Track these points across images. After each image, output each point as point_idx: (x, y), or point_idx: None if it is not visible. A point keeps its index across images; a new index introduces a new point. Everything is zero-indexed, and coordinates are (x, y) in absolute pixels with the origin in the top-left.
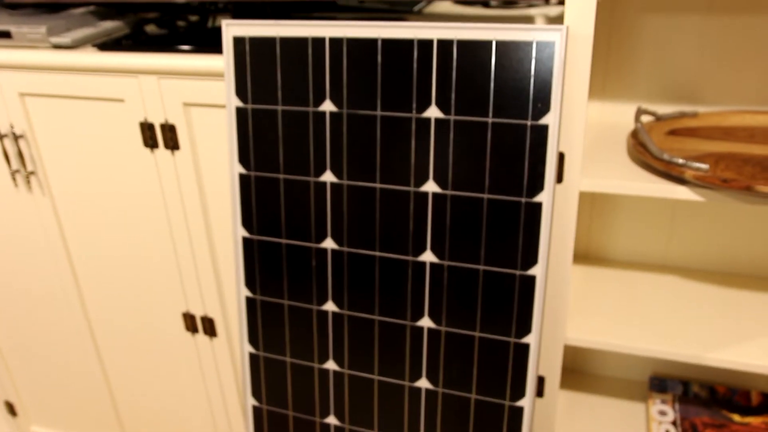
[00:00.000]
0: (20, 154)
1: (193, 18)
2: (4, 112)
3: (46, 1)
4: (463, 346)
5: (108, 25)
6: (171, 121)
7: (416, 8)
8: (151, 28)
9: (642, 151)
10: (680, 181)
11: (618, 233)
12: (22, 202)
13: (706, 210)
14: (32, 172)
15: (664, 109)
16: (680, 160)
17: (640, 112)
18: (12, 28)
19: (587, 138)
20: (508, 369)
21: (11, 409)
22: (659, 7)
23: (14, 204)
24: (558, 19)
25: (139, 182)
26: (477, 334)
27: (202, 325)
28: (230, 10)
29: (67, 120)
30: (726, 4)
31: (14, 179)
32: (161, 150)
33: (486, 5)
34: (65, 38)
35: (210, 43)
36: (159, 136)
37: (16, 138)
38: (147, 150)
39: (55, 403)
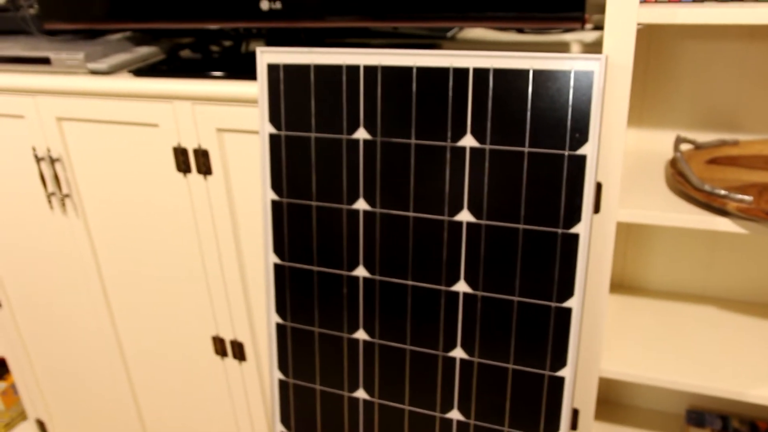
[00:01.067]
0: (56, 177)
1: (227, 43)
2: (41, 136)
3: (84, 27)
4: (496, 378)
5: (143, 50)
6: (204, 146)
7: (450, 34)
8: (185, 53)
9: (682, 181)
10: (722, 212)
11: (655, 262)
12: (57, 224)
13: (748, 240)
14: (67, 195)
15: (703, 137)
16: (722, 192)
17: (679, 141)
18: (51, 55)
19: (624, 166)
20: (542, 401)
21: (42, 426)
22: (699, 34)
23: (49, 226)
24: (594, 45)
25: (172, 206)
26: (510, 366)
27: (232, 349)
28: (264, 35)
29: (102, 144)
30: None
31: (50, 202)
32: (194, 175)
33: (520, 31)
34: (102, 64)
35: (243, 69)
36: (192, 161)
37: (52, 161)
38: (180, 174)
39: (84, 422)
